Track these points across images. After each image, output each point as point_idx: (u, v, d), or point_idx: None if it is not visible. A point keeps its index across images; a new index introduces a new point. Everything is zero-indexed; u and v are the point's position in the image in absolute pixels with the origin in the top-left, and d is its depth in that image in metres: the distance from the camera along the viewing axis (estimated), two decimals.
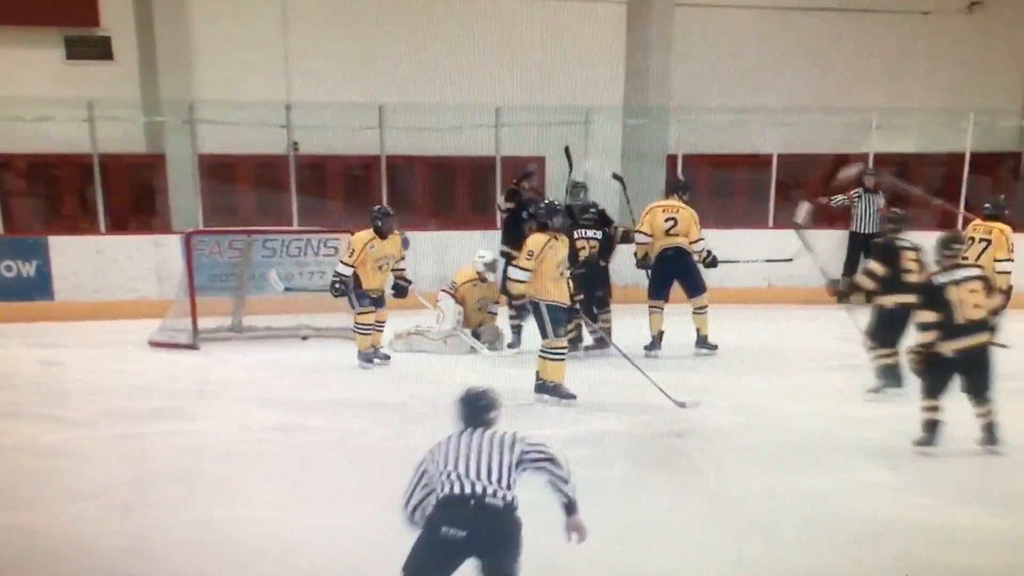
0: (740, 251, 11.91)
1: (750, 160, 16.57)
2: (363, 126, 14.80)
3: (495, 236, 13.10)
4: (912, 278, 9.28)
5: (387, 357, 10.98)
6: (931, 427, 8.00)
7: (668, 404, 8.96)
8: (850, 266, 14.72)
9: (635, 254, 11.40)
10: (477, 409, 5.07)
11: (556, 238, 9.27)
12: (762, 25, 17.45)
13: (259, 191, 15.83)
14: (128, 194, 15.96)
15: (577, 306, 9.69)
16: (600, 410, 9.16)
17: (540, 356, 9.36)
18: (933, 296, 7.88)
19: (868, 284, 9.56)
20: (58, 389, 10.17)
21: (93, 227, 14.13)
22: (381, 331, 10.97)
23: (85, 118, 13.79)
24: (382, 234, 10.56)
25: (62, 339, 12.37)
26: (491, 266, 11.45)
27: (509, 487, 4.80)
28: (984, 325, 7.92)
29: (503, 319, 11.77)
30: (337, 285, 10.61)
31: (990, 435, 7.95)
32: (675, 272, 11.10)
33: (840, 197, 14.91)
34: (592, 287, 10.89)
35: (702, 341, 11.20)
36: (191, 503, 6.78)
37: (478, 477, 4.77)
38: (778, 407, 9.19)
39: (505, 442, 4.93)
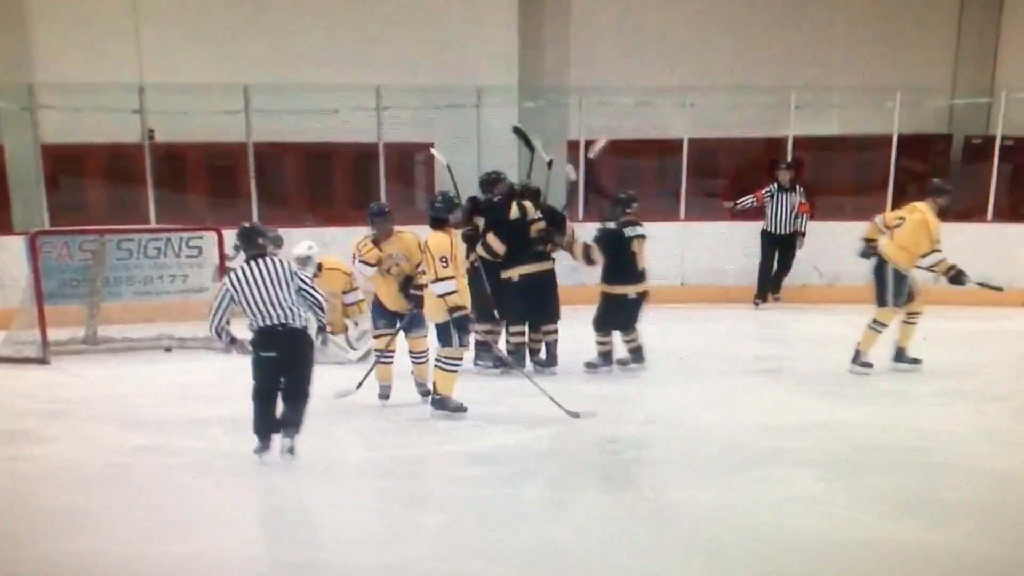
0: (650, 244, 11.93)
1: (659, 145, 16.83)
2: (227, 110, 14.65)
3: None
4: (539, 249, 10.96)
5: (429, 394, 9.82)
6: (606, 357, 11.07)
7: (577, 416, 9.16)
8: (766, 269, 15.18)
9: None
10: (251, 239, 7.91)
11: (453, 234, 9.21)
12: None
13: (111, 185, 15.76)
14: None
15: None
16: (503, 423, 9.26)
17: (436, 365, 9.34)
18: (618, 243, 10.72)
19: (490, 256, 10.83)
20: None
21: None
22: (421, 363, 10.04)
23: None
24: (380, 237, 9.83)
25: None
26: (304, 261, 11.52)
27: (300, 313, 7.72)
28: (644, 275, 10.97)
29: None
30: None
31: (638, 355, 11.15)
32: (875, 273, 11.05)
33: (748, 198, 15.17)
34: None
35: (899, 354, 11.21)
36: (44, 537, 6.74)
37: (279, 308, 7.64)
38: (693, 416, 9.44)
39: (286, 275, 7.77)
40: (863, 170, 17.72)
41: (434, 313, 9.19)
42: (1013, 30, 18.39)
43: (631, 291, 10.84)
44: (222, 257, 12.50)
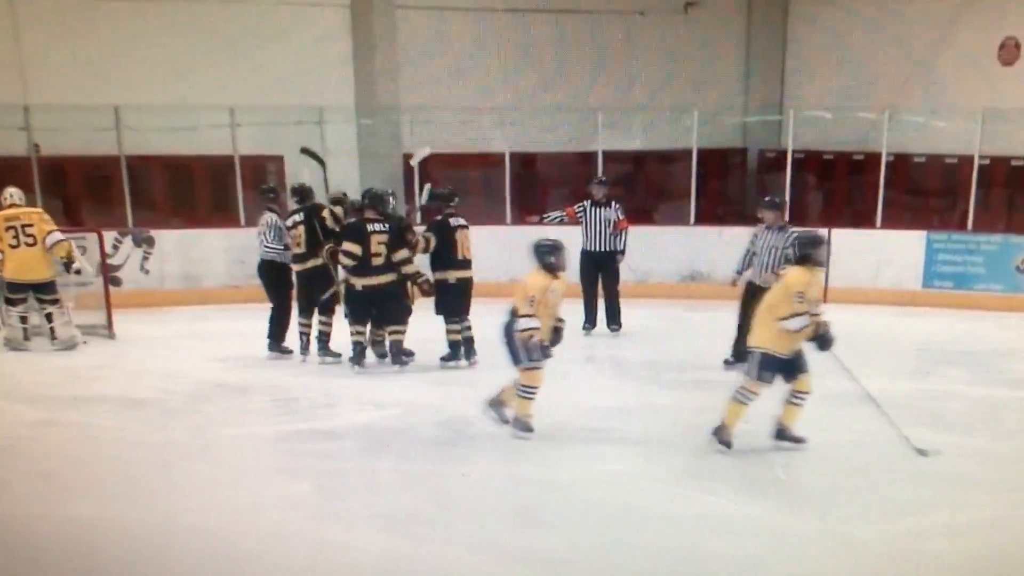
0: (479, 248, 12.97)
1: (484, 159, 19.23)
2: (101, 127, 16.89)
3: (238, 234, 16.33)
4: (379, 261, 11.92)
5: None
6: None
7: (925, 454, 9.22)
8: (589, 291, 14.78)
9: None
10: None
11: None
12: (483, 27, 20.59)
13: None
14: None
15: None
16: (352, 404, 10.79)
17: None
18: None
19: (347, 262, 11.91)
20: None
21: None
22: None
23: None
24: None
25: None
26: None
27: None
28: (468, 263, 12.36)
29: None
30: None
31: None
32: None
33: (556, 213, 15.05)
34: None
35: None
36: None
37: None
38: None
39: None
40: (668, 180, 20.38)
41: None
42: (794, 53, 21.65)
43: (452, 276, 12.19)
44: (103, 255, 14.81)
